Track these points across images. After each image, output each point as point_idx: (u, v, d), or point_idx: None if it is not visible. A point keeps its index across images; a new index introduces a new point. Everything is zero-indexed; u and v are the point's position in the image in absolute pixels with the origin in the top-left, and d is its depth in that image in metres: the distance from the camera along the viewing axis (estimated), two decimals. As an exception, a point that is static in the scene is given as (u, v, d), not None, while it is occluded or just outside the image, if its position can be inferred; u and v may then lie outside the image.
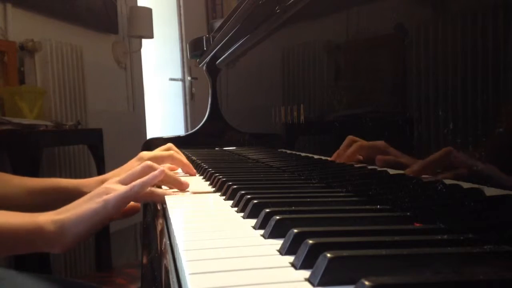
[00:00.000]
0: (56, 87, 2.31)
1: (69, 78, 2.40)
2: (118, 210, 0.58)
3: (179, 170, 0.89)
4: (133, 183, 0.59)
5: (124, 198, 0.58)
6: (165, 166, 0.75)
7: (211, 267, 0.32)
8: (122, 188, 0.59)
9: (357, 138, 0.57)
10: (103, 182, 0.71)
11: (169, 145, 0.90)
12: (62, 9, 2.50)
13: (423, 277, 0.26)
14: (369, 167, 0.56)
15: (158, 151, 0.87)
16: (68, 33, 2.53)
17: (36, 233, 0.55)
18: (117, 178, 0.65)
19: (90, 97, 2.57)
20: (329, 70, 0.71)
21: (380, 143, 0.51)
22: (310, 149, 0.78)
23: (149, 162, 0.68)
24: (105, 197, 0.57)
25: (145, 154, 0.82)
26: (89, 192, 0.61)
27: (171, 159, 0.84)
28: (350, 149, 0.58)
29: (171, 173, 0.70)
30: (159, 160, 0.80)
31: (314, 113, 0.77)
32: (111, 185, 0.61)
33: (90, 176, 2.74)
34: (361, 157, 0.57)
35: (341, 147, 0.61)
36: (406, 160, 0.46)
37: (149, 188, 0.63)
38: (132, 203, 0.65)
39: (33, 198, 0.77)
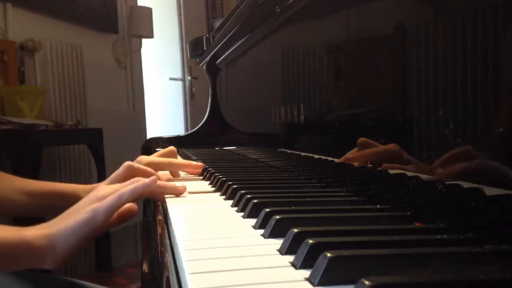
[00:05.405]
0: (56, 87, 2.31)
1: (69, 78, 2.40)
2: (108, 219, 0.56)
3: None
4: (122, 191, 0.57)
5: (113, 208, 0.56)
6: (162, 174, 0.72)
7: (211, 267, 0.32)
8: (110, 197, 0.56)
9: (369, 141, 0.55)
10: None
11: (170, 148, 0.87)
12: (62, 9, 2.50)
13: (423, 277, 0.26)
14: (369, 166, 0.56)
15: (156, 157, 0.84)
16: (68, 33, 2.53)
17: (24, 249, 0.51)
18: (106, 182, 0.65)
19: (90, 97, 2.57)
20: (329, 70, 0.71)
21: (393, 147, 0.50)
22: (310, 149, 0.78)
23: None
24: (94, 206, 0.55)
25: (143, 158, 0.80)
26: None
27: (168, 166, 0.81)
28: (362, 153, 0.56)
29: (164, 182, 0.67)
30: (157, 166, 0.78)
31: (314, 113, 0.77)
32: (101, 192, 0.58)
33: (90, 175, 2.74)
34: (369, 164, 0.56)
35: (353, 151, 0.59)
36: (415, 167, 0.46)
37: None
38: (128, 205, 0.63)
39: (33, 201, 0.76)
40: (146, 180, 0.60)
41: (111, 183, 0.67)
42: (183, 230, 0.44)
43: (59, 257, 0.53)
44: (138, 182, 0.59)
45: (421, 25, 0.45)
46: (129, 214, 0.63)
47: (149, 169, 0.71)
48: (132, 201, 0.59)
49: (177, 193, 0.66)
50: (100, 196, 0.57)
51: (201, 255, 0.35)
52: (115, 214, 0.61)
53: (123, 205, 0.58)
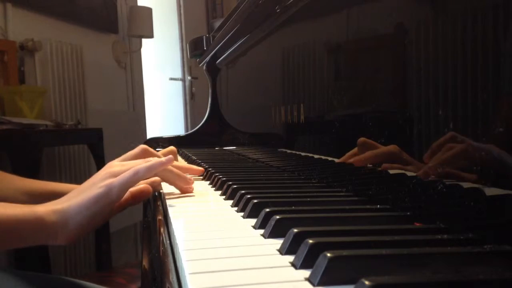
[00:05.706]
0: (56, 86, 2.31)
1: (69, 78, 2.40)
2: (122, 195, 0.55)
3: None
4: (138, 167, 0.56)
5: (128, 184, 0.55)
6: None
7: (211, 267, 0.32)
8: (125, 173, 0.55)
9: (369, 141, 0.55)
10: None
11: (170, 148, 0.86)
12: (62, 9, 2.50)
13: (423, 277, 0.26)
14: (369, 166, 0.56)
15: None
16: (68, 33, 2.53)
17: (37, 225, 0.51)
18: (119, 160, 0.63)
19: (90, 97, 2.57)
20: (329, 70, 0.71)
21: (393, 149, 0.50)
22: (310, 149, 0.78)
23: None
24: (108, 181, 0.54)
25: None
26: None
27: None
28: (362, 158, 0.56)
29: (177, 170, 0.67)
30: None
31: (314, 113, 0.77)
32: (114, 169, 0.57)
33: (90, 175, 2.74)
34: (369, 164, 0.56)
35: (353, 151, 0.59)
36: (415, 168, 0.46)
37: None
38: (142, 186, 0.62)
39: (34, 201, 0.76)
40: (163, 158, 0.59)
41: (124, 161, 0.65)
42: (183, 230, 0.44)
43: (71, 233, 0.52)
44: (154, 159, 0.58)
45: (421, 25, 0.45)
46: (142, 195, 0.62)
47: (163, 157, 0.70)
48: (148, 176, 0.59)
49: (186, 183, 0.65)
50: (114, 172, 0.56)
51: (201, 255, 0.35)
52: (128, 194, 0.60)
53: (138, 181, 0.57)
